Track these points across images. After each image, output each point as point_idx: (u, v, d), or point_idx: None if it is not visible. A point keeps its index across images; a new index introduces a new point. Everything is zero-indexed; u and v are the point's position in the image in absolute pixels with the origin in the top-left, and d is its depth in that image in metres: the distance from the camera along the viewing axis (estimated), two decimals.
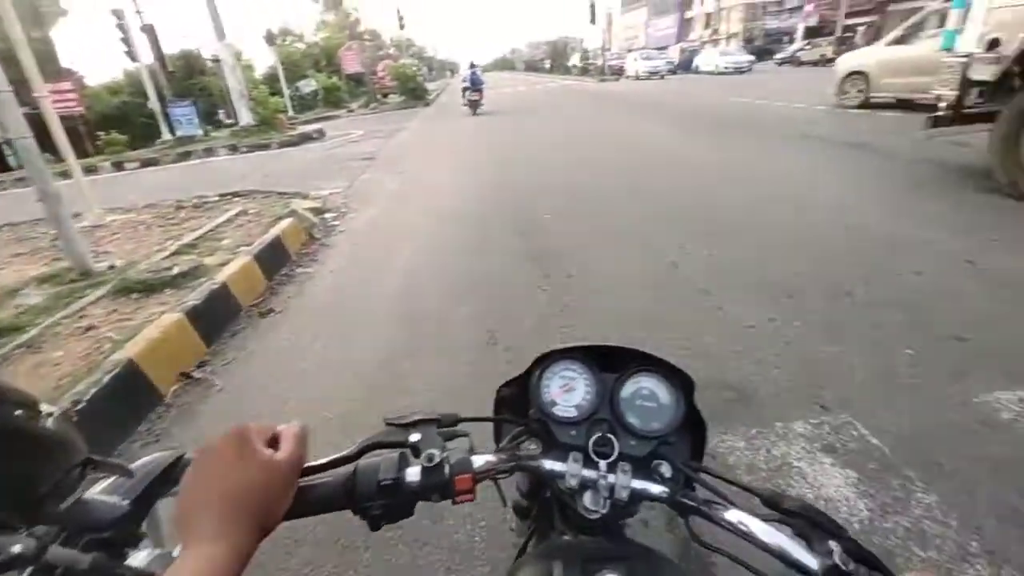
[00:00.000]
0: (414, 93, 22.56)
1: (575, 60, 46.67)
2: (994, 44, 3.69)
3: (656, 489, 0.50)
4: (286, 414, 2.07)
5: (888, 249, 3.10)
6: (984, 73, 3.81)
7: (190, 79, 20.92)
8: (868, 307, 2.46)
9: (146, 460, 0.49)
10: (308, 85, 26.17)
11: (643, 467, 0.52)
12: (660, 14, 57.48)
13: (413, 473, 0.47)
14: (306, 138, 12.76)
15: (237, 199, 5.65)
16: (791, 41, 34.33)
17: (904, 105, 8.27)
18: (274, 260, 3.73)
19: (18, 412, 0.37)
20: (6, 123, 3.38)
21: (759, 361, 2.11)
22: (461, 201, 5.25)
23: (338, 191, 6.27)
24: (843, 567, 0.38)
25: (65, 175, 5.12)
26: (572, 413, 0.56)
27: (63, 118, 5.53)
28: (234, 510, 0.37)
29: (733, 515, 0.45)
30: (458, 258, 3.67)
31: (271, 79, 22.03)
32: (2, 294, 3.32)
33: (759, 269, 2.97)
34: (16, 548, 0.36)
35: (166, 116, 14.51)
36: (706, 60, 27.54)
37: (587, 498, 0.50)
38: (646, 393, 0.56)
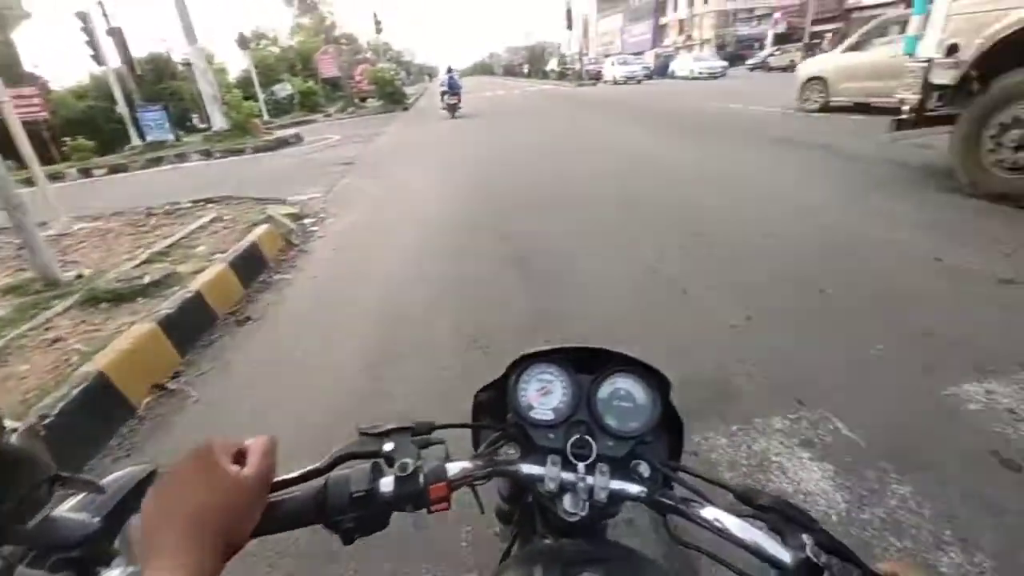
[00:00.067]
0: (392, 97, 22.42)
1: (553, 65, 47.05)
2: (953, 49, 3.85)
3: (634, 489, 0.50)
4: (265, 424, 2.03)
5: (858, 247, 3.19)
6: (944, 77, 3.96)
7: (160, 83, 20.42)
8: (841, 304, 2.53)
9: (118, 475, 0.47)
10: (284, 89, 25.81)
11: (622, 467, 0.52)
12: (635, 20, 58.49)
13: (387, 483, 0.46)
14: (283, 143, 12.58)
15: (211, 205, 5.52)
16: (761, 47, 35.34)
17: (861, 108, 8.67)
18: (251, 267, 3.66)
19: None
20: None
21: (738, 359, 2.15)
22: (441, 205, 5.23)
23: (317, 196, 6.18)
24: (815, 559, 0.38)
25: (29, 182, 4.94)
26: (549, 416, 0.55)
27: (27, 124, 5.34)
28: (198, 529, 0.35)
29: (709, 512, 0.46)
30: (439, 262, 3.65)
31: (245, 83, 21.67)
32: None
33: (736, 269, 3.03)
34: None
35: (135, 121, 14.13)
36: (681, 65, 28.09)
37: (566, 501, 0.50)
38: (623, 393, 0.57)
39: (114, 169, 11.78)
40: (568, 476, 0.50)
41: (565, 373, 0.58)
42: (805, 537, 0.41)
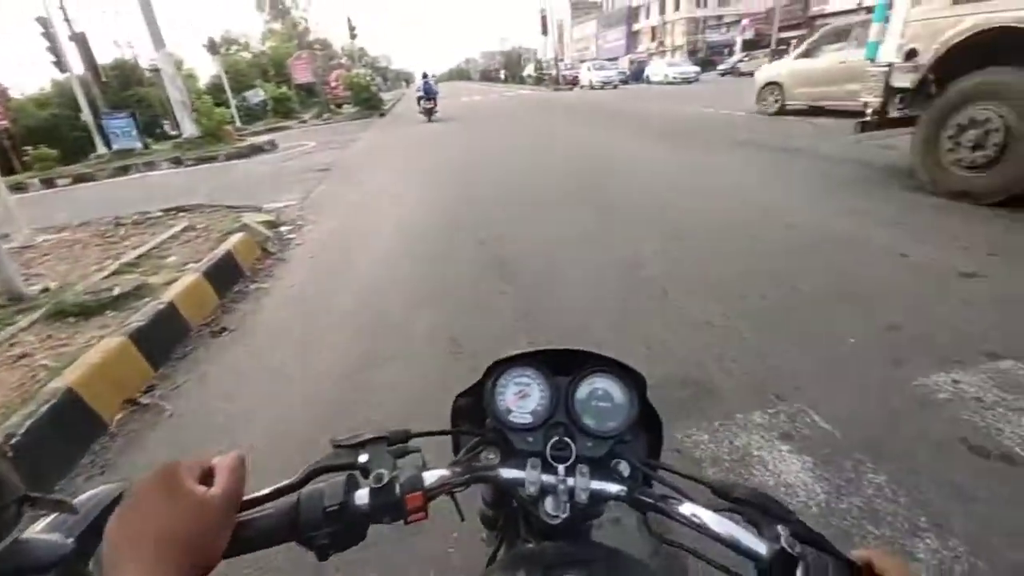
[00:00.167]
0: (369, 103, 22.23)
1: (529, 70, 47.37)
2: (911, 54, 4.02)
3: (614, 488, 0.50)
4: (242, 436, 1.98)
5: (827, 245, 3.29)
6: (904, 81, 4.13)
7: (127, 90, 19.88)
8: (813, 300, 2.60)
9: (91, 494, 0.46)
10: (256, 95, 25.36)
11: (602, 467, 0.52)
12: (609, 27, 59.41)
13: (362, 496, 0.45)
14: (256, 150, 12.34)
15: (183, 214, 5.38)
16: (731, 53, 36.22)
17: (815, 111, 9.20)
18: (226, 276, 3.57)
19: None
20: None
21: (718, 356, 2.19)
22: (421, 210, 5.20)
23: (293, 203, 6.09)
24: (790, 550, 0.39)
25: None
26: (528, 419, 0.55)
27: None
28: (164, 553, 0.34)
29: (687, 508, 0.46)
30: (418, 267, 3.63)
31: (216, 89, 21.20)
32: None
33: (713, 268, 3.09)
34: None
35: (100, 129, 13.69)
36: (656, 70, 28.63)
37: (548, 503, 0.50)
38: (600, 393, 0.57)
39: (79, 179, 11.40)
40: (548, 479, 0.50)
41: (542, 376, 0.58)
42: (780, 528, 0.41)
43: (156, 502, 0.36)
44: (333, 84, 25.44)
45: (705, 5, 46.79)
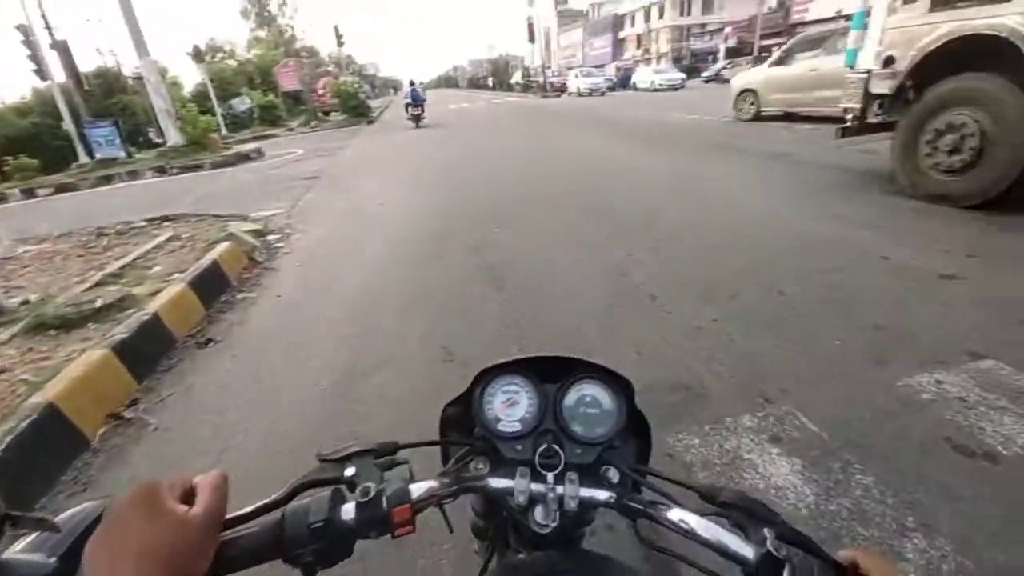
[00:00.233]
0: (356, 111, 22.19)
1: (517, 77, 47.66)
2: (889, 61, 4.12)
3: (603, 495, 0.50)
4: (230, 449, 1.95)
5: (812, 248, 3.34)
6: (882, 87, 4.23)
7: (110, 98, 19.64)
8: (799, 303, 2.63)
9: (73, 512, 0.45)
10: (242, 103, 25.21)
11: (591, 474, 0.52)
12: (595, 35, 60.09)
13: (348, 511, 0.44)
14: (243, 158, 12.26)
15: (167, 223, 5.31)
16: (715, 60, 36.84)
17: (789, 117, 9.52)
18: (212, 286, 3.52)
19: None
20: None
21: (707, 360, 2.20)
22: (410, 217, 5.19)
23: (281, 212, 6.04)
24: (775, 553, 0.39)
25: None
26: (516, 427, 0.55)
27: None
28: (145, 574, 0.33)
29: (675, 514, 0.46)
30: (410, 274, 3.61)
31: (201, 97, 21.05)
32: None
33: (701, 272, 3.12)
34: None
35: (83, 138, 13.49)
36: (642, 77, 28.96)
37: (537, 512, 0.49)
38: (588, 400, 0.57)
39: (61, 188, 11.21)
40: (537, 487, 0.50)
41: (530, 383, 0.58)
42: (767, 531, 0.41)
43: (136, 522, 0.35)
44: (320, 92, 25.38)
45: (689, 13, 47.56)
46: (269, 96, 24.77)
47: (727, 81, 26.84)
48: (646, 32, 49.31)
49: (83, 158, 13.56)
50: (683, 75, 28.02)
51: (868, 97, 4.40)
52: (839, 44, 8.45)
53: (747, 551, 0.41)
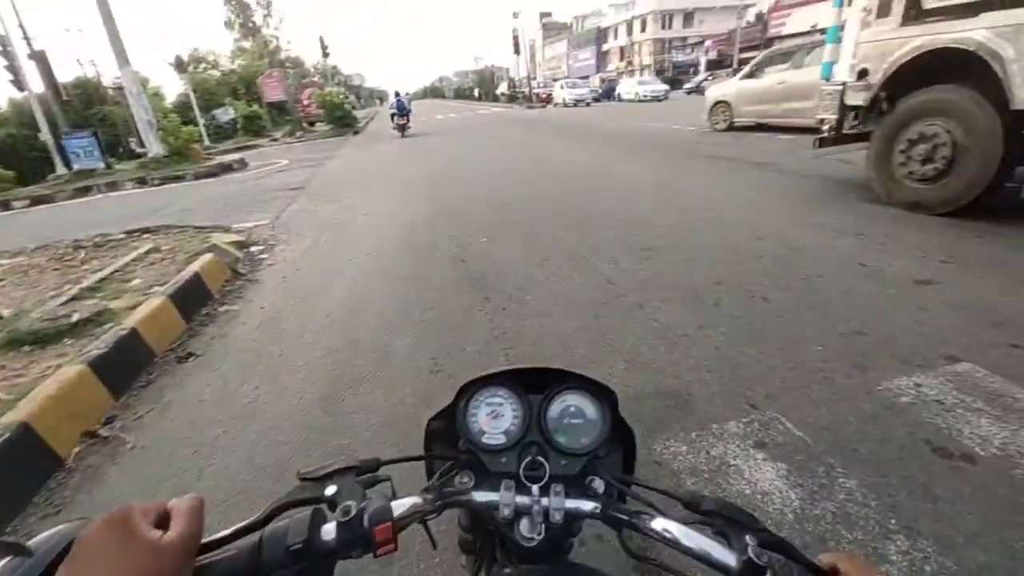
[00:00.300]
0: (342, 121, 22.15)
1: (503, 88, 48.08)
2: (863, 74, 4.24)
3: (589, 506, 0.50)
4: (209, 468, 1.90)
5: (792, 255, 3.40)
6: (857, 99, 4.36)
7: (89, 108, 19.35)
8: (782, 310, 2.67)
9: (48, 535, 0.43)
10: (226, 113, 25.05)
11: (576, 485, 0.52)
12: (579, 47, 61.00)
13: (328, 531, 0.43)
14: (226, 168, 12.15)
15: (147, 235, 5.21)
16: (696, 72, 37.62)
17: (760, 127, 9.95)
18: (193, 299, 3.46)
19: None
20: None
21: (693, 367, 2.22)
22: (397, 227, 5.17)
23: (265, 223, 5.97)
24: (757, 560, 0.39)
25: None
26: (501, 440, 0.55)
27: None
28: None
29: (659, 523, 0.46)
30: (397, 285, 3.59)
31: (184, 107, 20.85)
32: None
33: (685, 280, 3.16)
34: None
35: (61, 148, 13.24)
36: (627, 89, 29.46)
37: (523, 525, 0.49)
38: (573, 410, 0.57)
39: (37, 200, 10.96)
40: (523, 500, 0.49)
41: (514, 395, 0.58)
42: (748, 538, 0.42)
43: (107, 550, 0.34)
44: (306, 102, 25.32)
45: (670, 27, 48.58)
46: (253, 107, 24.61)
47: None
48: (629, 45, 50.22)
49: (60, 169, 13.30)
50: (666, 87, 28.58)
51: (843, 108, 4.53)
52: (805, 59, 9.07)
53: (729, 559, 0.41)
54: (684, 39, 47.72)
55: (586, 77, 42.72)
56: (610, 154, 8.87)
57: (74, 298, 3.36)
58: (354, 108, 30.03)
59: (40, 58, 13.63)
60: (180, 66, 22.39)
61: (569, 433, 0.56)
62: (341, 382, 2.40)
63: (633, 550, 0.50)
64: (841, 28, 4.71)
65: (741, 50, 31.78)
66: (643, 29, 49.24)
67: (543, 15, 71.39)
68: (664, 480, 1.62)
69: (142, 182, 11.32)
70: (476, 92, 59.10)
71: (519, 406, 0.57)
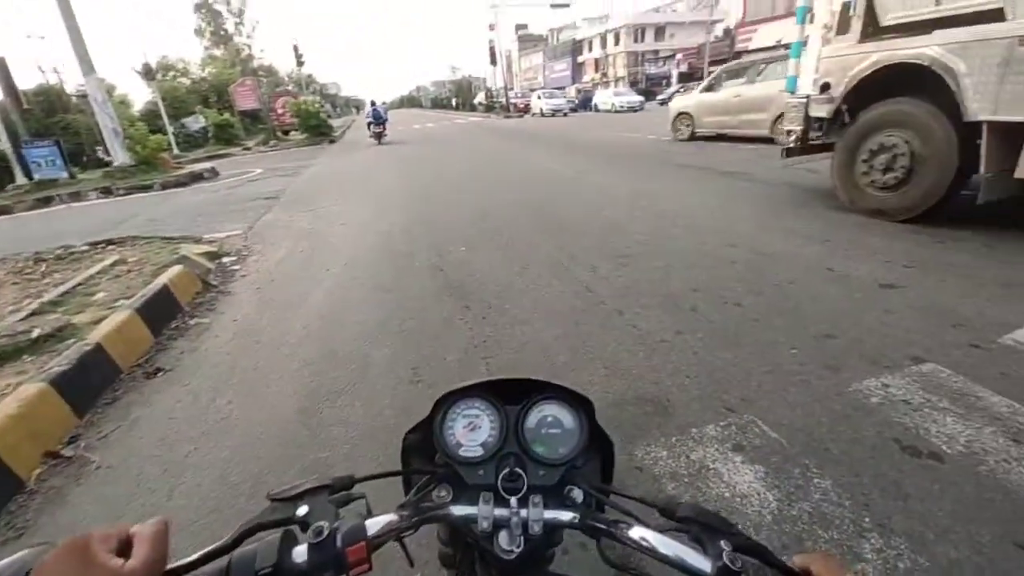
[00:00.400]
0: (318, 130, 21.90)
1: (480, 98, 48.35)
2: (826, 87, 4.42)
3: (567, 516, 0.50)
4: (179, 487, 1.83)
5: (764, 261, 3.50)
6: (820, 111, 4.53)
7: (51, 117, 18.66)
8: (756, 315, 2.74)
9: (8, 562, 0.41)
10: (196, 122, 24.49)
11: (555, 495, 0.52)
12: (555, 58, 61.94)
13: (300, 553, 0.42)
14: (196, 178, 11.87)
15: (112, 247, 5.03)
16: (669, 84, 38.56)
17: (720, 137, 10.55)
18: (161, 313, 3.35)
19: None
20: None
21: (672, 373, 2.25)
22: (374, 237, 5.12)
23: (237, 233, 5.84)
24: (732, 566, 0.40)
25: None
26: (479, 452, 0.55)
27: None
28: None
29: (636, 532, 0.46)
30: (375, 295, 3.55)
31: (152, 116, 20.32)
32: None
33: (662, 287, 3.21)
34: None
35: (21, 158, 12.71)
36: (603, 99, 29.95)
37: (502, 538, 0.49)
38: (550, 420, 0.57)
39: None
40: (501, 512, 0.49)
41: (491, 406, 0.58)
42: (723, 543, 0.42)
43: None
44: (280, 111, 24.95)
45: (643, 40, 49.76)
46: (225, 115, 24.11)
47: None
48: (604, 57, 51.22)
49: (20, 179, 12.74)
50: (641, 98, 29.18)
51: (808, 120, 4.71)
52: (758, 73, 9.63)
53: (705, 565, 0.42)
54: (656, 52, 48.94)
55: (562, 88, 43.27)
56: (587, 163, 8.99)
57: (34, 313, 3.21)
58: (330, 117, 29.74)
59: None
60: (148, 73, 21.82)
61: (547, 443, 0.56)
62: (319, 394, 2.35)
63: (612, 559, 0.50)
64: (804, 44, 4.91)
65: (710, 63, 32.77)
66: (617, 42, 50.31)
67: (519, 27, 72.25)
68: (645, 485, 1.63)
69: (107, 192, 10.95)
70: (454, 102, 59.27)
71: (496, 417, 0.57)
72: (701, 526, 0.45)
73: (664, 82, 42.30)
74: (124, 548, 0.37)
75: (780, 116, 8.76)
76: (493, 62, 36.55)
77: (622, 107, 27.26)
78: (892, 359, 2.19)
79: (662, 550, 0.44)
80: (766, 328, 2.58)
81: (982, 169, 3.39)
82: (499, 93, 40.16)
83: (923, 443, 1.69)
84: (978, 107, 3.32)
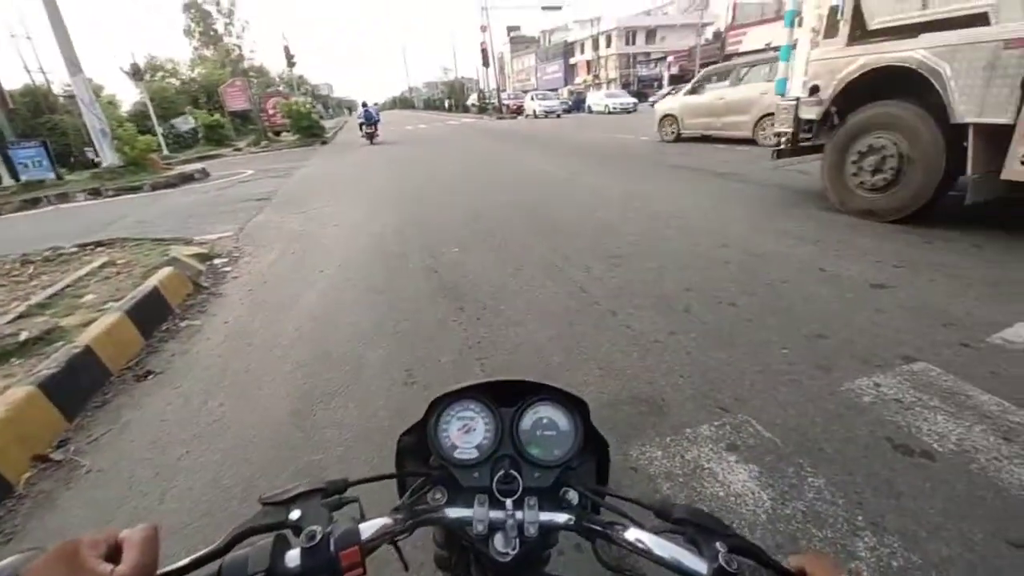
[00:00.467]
0: (309, 131, 21.78)
1: (473, 99, 48.36)
2: (815, 90, 4.47)
3: (562, 518, 0.50)
4: (173, 491, 1.81)
5: (756, 262, 3.52)
6: (810, 113, 4.58)
7: (38, 117, 18.41)
8: (749, 315, 2.76)
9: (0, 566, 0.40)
10: (186, 122, 24.27)
11: (550, 497, 0.52)
12: (547, 60, 62.11)
13: (292, 557, 0.42)
14: (186, 179, 11.76)
15: (101, 248, 4.97)
16: (660, 86, 38.79)
17: (705, 139, 10.76)
18: (152, 315, 3.31)
19: None
20: None
21: (666, 373, 2.26)
22: (367, 238, 5.10)
23: (229, 234, 5.79)
24: (727, 567, 0.40)
25: None
26: (473, 454, 0.55)
27: None
28: None
29: (631, 533, 0.46)
30: (368, 297, 3.53)
31: (141, 116, 20.11)
32: None
33: (656, 287, 3.22)
34: None
35: (7, 159, 12.52)
36: (596, 101, 30.08)
37: (497, 541, 0.49)
38: (545, 422, 0.57)
39: None
40: (496, 514, 0.49)
41: (486, 408, 0.57)
42: (719, 545, 0.42)
43: None
44: (271, 111, 24.79)
45: (634, 43, 50.09)
46: (215, 116, 23.90)
47: None
48: (596, 59, 51.43)
49: (7, 180, 12.55)
50: (635, 99, 29.35)
51: (798, 122, 4.76)
52: (740, 76, 9.85)
53: (700, 566, 0.42)
54: (648, 54, 49.26)
55: (555, 89, 43.43)
56: (580, 164, 9.01)
57: (22, 315, 3.16)
58: (322, 118, 29.60)
59: None
60: (136, 74, 21.56)
61: (542, 445, 0.55)
62: (312, 396, 2.33)
63: (607, 561, 0.50)
64: (793, 47, 4.97)
65: (701, 66, 33.00)
66: (608, 44, 50.58)
67: (511, 29, 72.46)
68: (640, 486, 1.63)
69: (96, 193, 10.82)
70: (446, 103, 59.21)
71: (491, 419, 0.57)
72: (697, 528, 0.45)
73: (656, 84, 42.57)
74: (114, 553, 0.36)
75: (762, 118, 9.11)
76: (485, 64, 36.56)
77: (616, 108, 27.40)
78: (883, 358, 2.21)
79: (658, 552, 0.44)
80: (759, 328, 2.60)
81: (969, 170, 3.44)
82: (492, 94, 40.18)
83: (915, 442, 1.71)
84: (964, 109, 3.37)
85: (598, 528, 0.49)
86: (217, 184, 10.95)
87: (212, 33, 37.00)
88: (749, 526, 1.44)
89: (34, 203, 10.64)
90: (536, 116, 28.78)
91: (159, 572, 0.38)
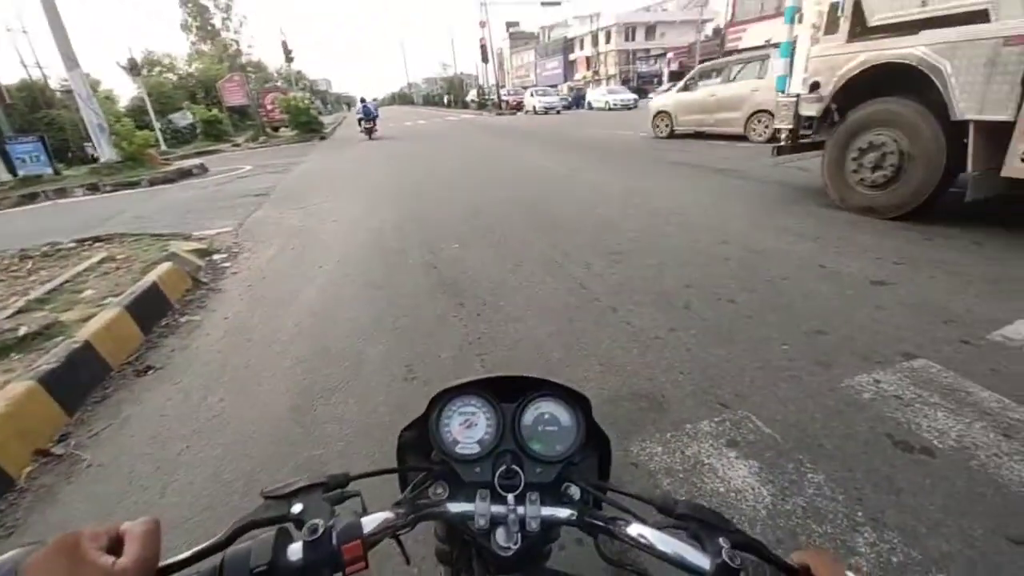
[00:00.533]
0: (308, 126, 21.71)
1: (472, 95, 48.21)
2: (815, 86, 4.46)
3: (564, 513, 0.50)
4: (173, 485, 1.81)
5: (756, 258, 3.52)
6: (810, 110, 4.57)
7: (35, 112, 18.34)
8: (749, 311, 2.76)
9: (1, 560, 0.40)
10: (184, 118, 24.21)
11: (552, 493, 0.52)
12: (547, 56, 61.91)
13: (295, 551, 0.42)
14: (185, 174, 11.73)
15: (99, 244, 4.95)
16: (660, 82, 38.70)
17: (699, 135, 10.85)
18: (151, 310, 3.30)
19: None
20: None
21: (666, 369, 2.26)
22: (367, 234, 5.09)
23: (227, 230, 5.77)
24: (730, 563, 0.40)
25: None
26: (475, 449, 0.55)
27: None
28: None
29: (634, 528, 0.46)
30: (368, 292, 3.53)
31: (139, 111, 20.04)
32: None
33: (656, 284, 3.22)
34: None
35: (4, 154, 12.47)
36: (597, 97, 30.02)
37: (499, 535, 0.49)
38: (547, 417, 0.57)
39: None
40: (498, 509, 0.49)
41: (488, 404, 0.57)
42: (722, 540, 0.42)
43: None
44: (269, 107, 24.71)
45: (633, 39, 49.92)
46: (213, 111, 23.81)
47: None
48: (595, 55, 51.27)
49: (4, 176, 12.51)
50: (635, 96, 29.29)
51: (798, 119, 4.75)
52: (732, 73, 9.88)
53: (704, 562, 0.42)
54: (647, 51, 49.11)
55: (555, 85, 43.33)
56: (580, 160, 9.00)
57: (21, 311, 3.16)
58: (320, 114, 29.51)
59: None
60: (134, 69, 21.44)
61: (544, 440, 0.55)
62: (312, 392, 2.33)
63: (609, 556, 0.50)
64: (793, 44, 4.94)
65: (701, 62, 32.91)
66: (608, 40, 50.40)
67: (510, 24, 72.08)
68: (641, 481, 1.63)
69: (94, 188, 10.78)
70: (446, 99, 59.00)
71: (492, 415, 0.57)
72: (699, 523, 0.45)
73: (655, 80, 42.44)
74: (115, 546, 0.36)
75: (753, 114, 9.20)
76: (485, 59, 36.45)
77: (616, 105, 27.36)
78: (883, 355, 2.22)
79: (660, 547, 0.44)
80: (759, 325, 2.60)
81: (969, 167, 3.43)
82: (491, 90, 40.06)
83: (915, 438, 1.72)
84: (965, 106, 3.36)
85: (600, 523, 0.49)
86: (215, 180, 10.92)
87: (210, 28, 36.75)
88: (749, 522, 1.44)
89: (32, 198, 10.61)
90: (536, 112, 28.73)
91: (161, 564, 0.38)
